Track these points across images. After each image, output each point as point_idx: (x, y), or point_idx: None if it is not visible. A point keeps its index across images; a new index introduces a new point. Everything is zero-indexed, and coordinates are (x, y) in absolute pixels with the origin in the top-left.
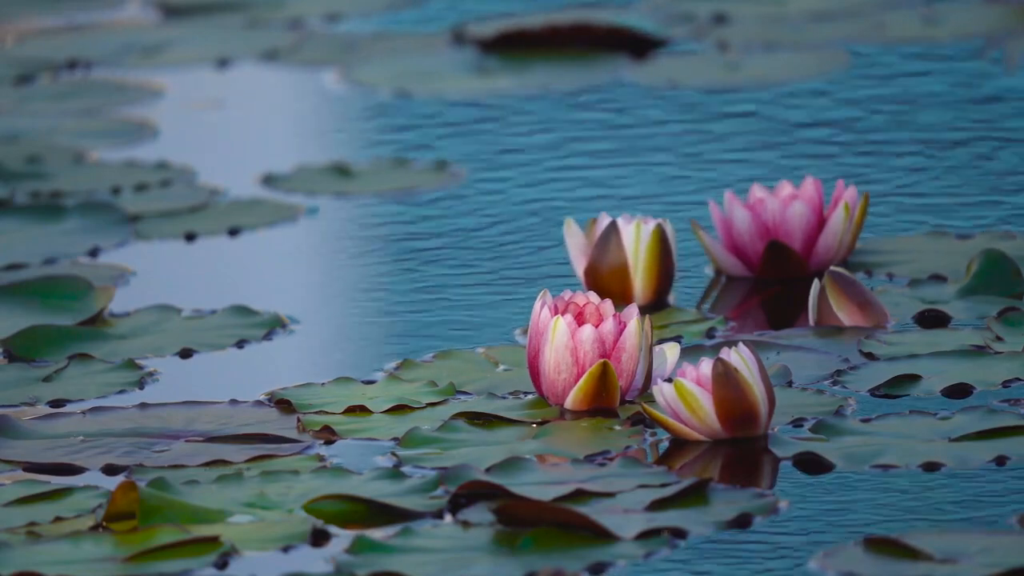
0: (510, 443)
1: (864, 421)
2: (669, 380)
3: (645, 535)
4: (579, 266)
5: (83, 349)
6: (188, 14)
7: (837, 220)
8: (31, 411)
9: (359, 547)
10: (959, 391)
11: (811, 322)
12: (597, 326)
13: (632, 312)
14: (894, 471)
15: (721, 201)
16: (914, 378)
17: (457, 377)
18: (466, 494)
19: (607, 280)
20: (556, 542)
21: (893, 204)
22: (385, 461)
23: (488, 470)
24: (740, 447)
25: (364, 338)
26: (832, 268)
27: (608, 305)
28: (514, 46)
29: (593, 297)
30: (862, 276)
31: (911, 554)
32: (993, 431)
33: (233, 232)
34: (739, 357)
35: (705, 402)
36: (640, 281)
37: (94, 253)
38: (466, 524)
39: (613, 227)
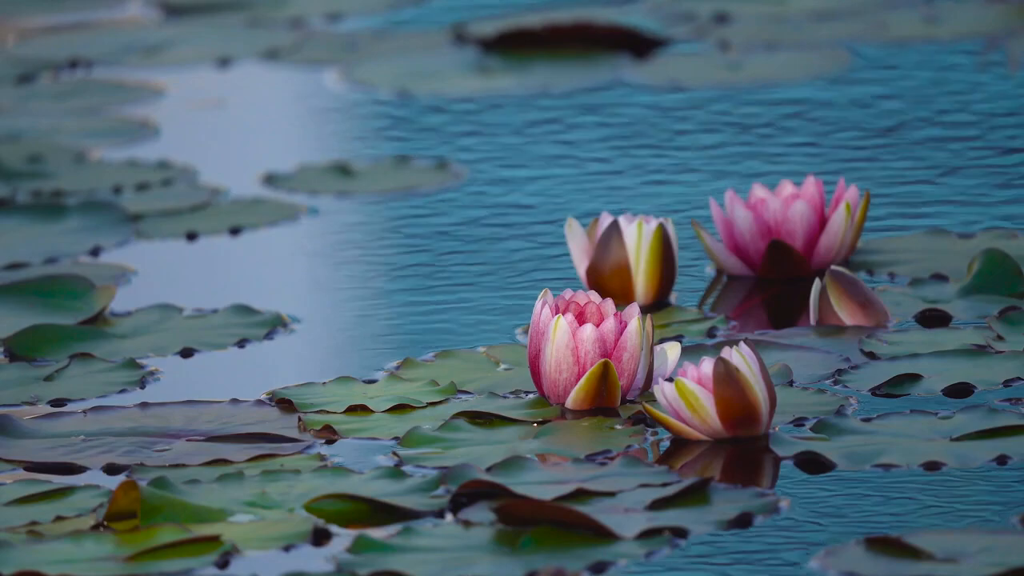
0: (511, 442)
1: (865, 420)
2: (670, 379)
3: (646, 534)
4: (581, 265)
5: (84, 348)
6: (189, 13)
7: (838, 219)
8: (32, 410)
9: (360, 546)
10: (960, 390)
11: (812, 321)
12: (598, 325)
13: (633, 311)
14: (895, 470)
15: (722, 200)
16: (915, 377)
17: (458, 376)
18: (467, 493)
19: (608, 279)
20: (557, 541)
21: (894, 203)
22: (386, 460)
23: (489, 469)
24: (741, 446)
25: (365, 337)
26: (833, 267)
27: (609, 304)
28: (515, 45)
29: (594, 296)
30: (863, 275)
31: (912, 553)
32: (994, 430)
33: (234, 231)
34: (740, 356)
35: (706, 401)
36: (641, 280)
37: (95, 252)
38: (467, 523)
39: (615, 227)
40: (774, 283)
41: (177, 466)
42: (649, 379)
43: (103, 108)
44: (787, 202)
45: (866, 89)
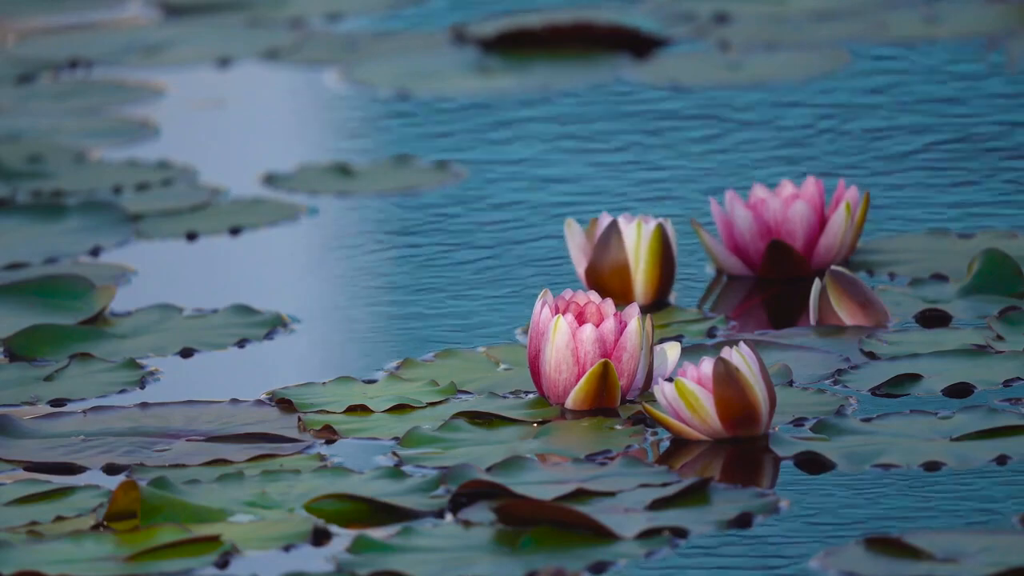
0: (511, 442)
1: (865, 420)
2: (670, 379)
3: (646, 534)
4: (580, 266)
5: (84, 348)
6: (189, 13)
7: (838, 220)
8: (32, 410)
9: (360, 546)
10: (960, 390)
11: (812, 321)
12: (598, 325)
13: (633, 311)
14: (895, 470)
15: (722, 200)
16: (915, 377)
17: (458, 376)
18: (467, 493)
19: (608, 279)
20: (557, 541)
21: (894, 203)
22: (386, 460)
23: (489, 469)
24: (741, 446)
25: (365, 337)
26: (833, 267)
27: (609, 304)
28: (515, 45)
29: (594, 296)
30: (863, 275)
31: (912, 553)
32: (994, 430)
33: (234, 231)
34: (740, 356)
35: (706, 401)
36: (641, 280)
37: (95, 252)
38: (467, 523)
39: (614, 227)
40: (774, 283)
41: (177, 466)
42: (649, 379)
43: (103, 108)
44: (787, 202)
45: (866, 89)
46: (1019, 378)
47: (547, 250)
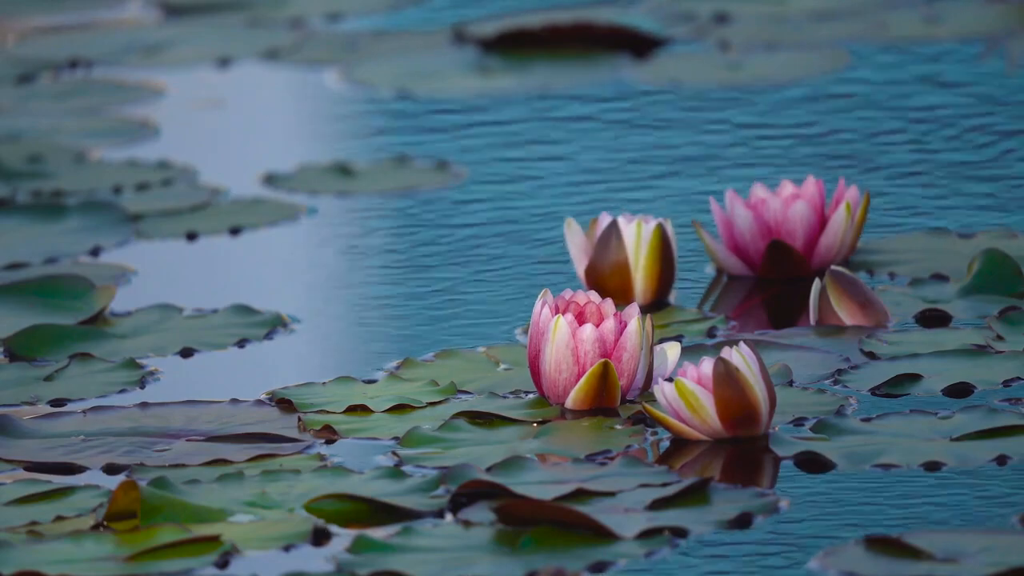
0: (511, 442)
1: (865, 420)
2: (670, 379)
3: (646, 534)
4: (580, 265)
5: (84, 348)
6: (189, 13)
7: (838, 220)
8: (32, 410)
9: (360, 546)
10: (960, 390)
11: (812, 321)
12: (598, 325)
13: (633, 311)
14: (895, 470)
15: (723, 200)
16: (915, 377)
17: (458, 376)
18: (467, 493)
19: (608, 279)
20: (557, 541)
21: (895, 203)
22: (386, 460)
23: (489, 469)
24: (741, 446)
25: (365, 337)
26: (833, 267)
27: (609, 304)
28: (515, 45)
29: (594, 296)
30: (863, 275)
31: (912, 553)
32: (994, 430)
33: (234, 231)
34: (740, 356)
35: (706, 401)
36: (641, 280)
37: (95, 252)
38: (467, 523)
39: (614, 226)
40: (774, 283)
41: (177, 466)
42: (649, 379)
43: (103, 108)
44: (787, 202)
45: (866, 88)
46: (1019, 378)
47: (547, 250)
